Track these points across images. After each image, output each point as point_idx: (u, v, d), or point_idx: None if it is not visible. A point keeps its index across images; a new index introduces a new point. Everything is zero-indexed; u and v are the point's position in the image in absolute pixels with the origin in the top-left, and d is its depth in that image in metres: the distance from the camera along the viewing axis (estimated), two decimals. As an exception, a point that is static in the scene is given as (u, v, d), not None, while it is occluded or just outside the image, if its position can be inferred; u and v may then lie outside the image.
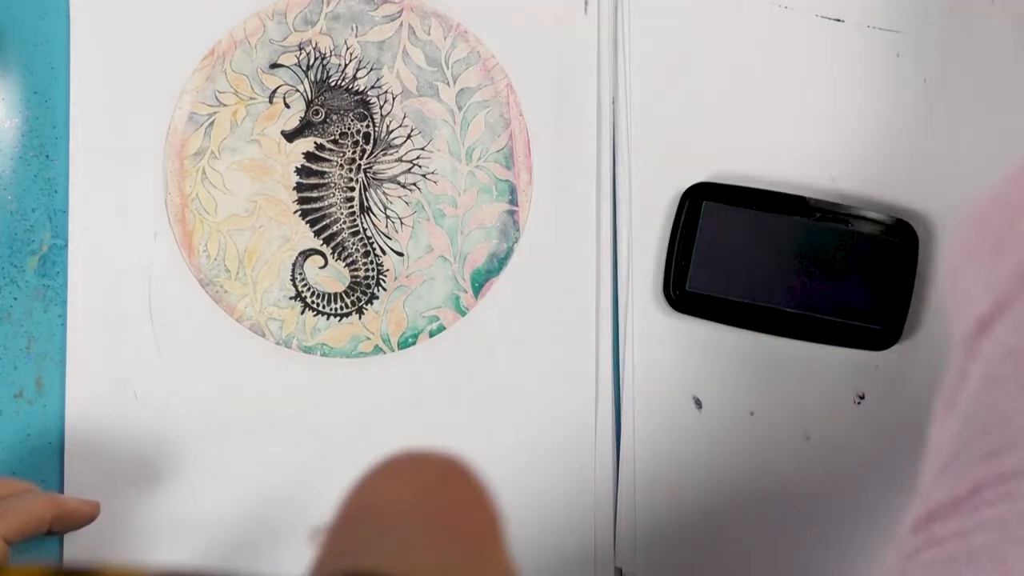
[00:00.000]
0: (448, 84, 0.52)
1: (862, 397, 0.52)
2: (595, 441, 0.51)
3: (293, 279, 0.52)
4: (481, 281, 0.52)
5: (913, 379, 0.52)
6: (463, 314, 0.52)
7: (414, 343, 0.52)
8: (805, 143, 0.52)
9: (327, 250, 0.52)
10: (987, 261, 0.34)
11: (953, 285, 0.36)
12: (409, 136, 0.52)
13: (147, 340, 0.51)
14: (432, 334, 0.52)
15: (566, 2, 0.53)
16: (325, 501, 0.51)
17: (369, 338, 0.52)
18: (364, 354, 0.52)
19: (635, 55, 0.53)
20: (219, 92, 0.52)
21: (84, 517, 0.48)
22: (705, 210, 0.51)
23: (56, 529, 0.47)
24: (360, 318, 0.52)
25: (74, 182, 0.52)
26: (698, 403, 0.52)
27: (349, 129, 0.52)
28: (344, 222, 0.52)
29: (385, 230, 0.52)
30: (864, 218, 0.50)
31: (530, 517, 0.51)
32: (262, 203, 0.52)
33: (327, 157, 0.52)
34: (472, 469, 0.33)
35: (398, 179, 0.52)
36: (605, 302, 0.52)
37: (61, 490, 0.51)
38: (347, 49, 0.52)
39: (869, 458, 0.51)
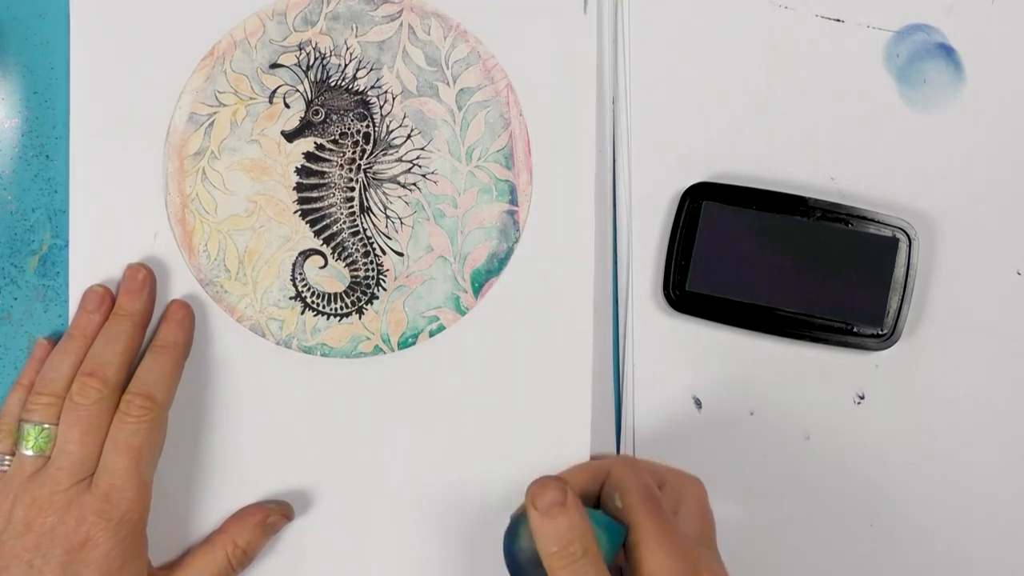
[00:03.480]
0: (448, 84, 0.52)
1: (862, 397, 0.52)
2: (595, 441, 0.52)
3: (293, 279, 0.52)
4: (481, 281, 0.52)
5: (913, 379, 0.52)
6: (463, 314, 0.52)
7: (414, 343, 0.52)
8: (805, 143, 0.52)
9: (327, 250, 0.52)
10: None
11: None
12: (409, 136, 0.52)
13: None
14: (432, 334, 0.52)
15: (566, 2, 0.53)
16: (325, 500, 0.52)
17: (369, 338, 0.52)
18: (364, 354, 0.52)
19: (635, 55, 0.53)
20: (219, 92, 0.52)
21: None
22: (705, 210, 0.51)
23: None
24: (360, 318, 0.52)
25: (74, 182, 0.52)
26: (698, 403, 0.52)
27: (349, 129, 0.52)
28: (344, 222, 0.52)
29: (385, 230, 0.52)
30: (864, 218, 0.50)
31: (530, 517, 0.51)
32: (262, 203, 0.52)
33: (327, 157, 0.52)
34: None
35: (398, 179, 0.52)
36: (605, 302, 0.52)
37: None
38: (347, 49, 0.52)
39: (869, 458, 0.52)
